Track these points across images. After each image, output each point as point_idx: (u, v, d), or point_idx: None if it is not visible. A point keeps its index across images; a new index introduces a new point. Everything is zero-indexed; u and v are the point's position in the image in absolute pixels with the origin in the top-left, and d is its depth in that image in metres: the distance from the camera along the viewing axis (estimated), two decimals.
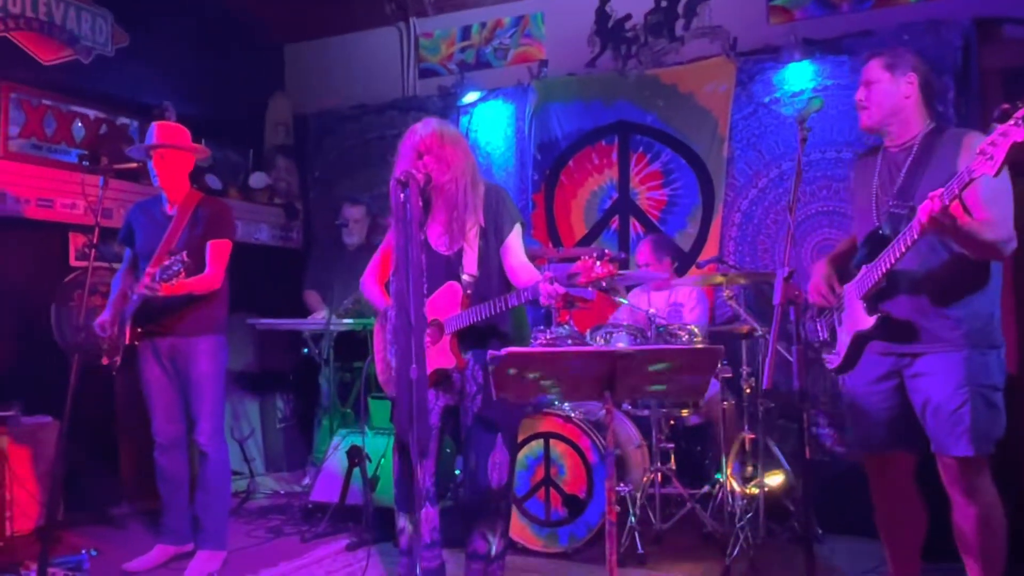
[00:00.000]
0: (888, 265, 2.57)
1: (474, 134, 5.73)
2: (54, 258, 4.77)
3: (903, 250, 2.51)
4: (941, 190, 2.33)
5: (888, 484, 2.85)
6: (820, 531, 4.01)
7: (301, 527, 4.32)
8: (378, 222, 5.42)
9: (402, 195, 2.54)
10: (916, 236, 2.46)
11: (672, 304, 4.66)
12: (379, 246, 3.19)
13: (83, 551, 3.73)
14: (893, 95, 2.71)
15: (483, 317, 2.82)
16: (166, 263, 3.34)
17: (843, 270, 2.91)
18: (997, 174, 2.17)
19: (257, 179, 6.10)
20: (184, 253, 3.35)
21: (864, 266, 2.70)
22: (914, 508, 2.85)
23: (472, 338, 2.92)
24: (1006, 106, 2.16)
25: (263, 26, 6.28)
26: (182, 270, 3.33)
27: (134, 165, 3.65)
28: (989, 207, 2.50)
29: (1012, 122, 2.13)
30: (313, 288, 5.47)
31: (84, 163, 4.88)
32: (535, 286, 2.68)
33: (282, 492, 5.23)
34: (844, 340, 2.84)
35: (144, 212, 3.83)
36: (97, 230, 3.31)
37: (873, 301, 2.69)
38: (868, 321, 2.70)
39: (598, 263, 2.51)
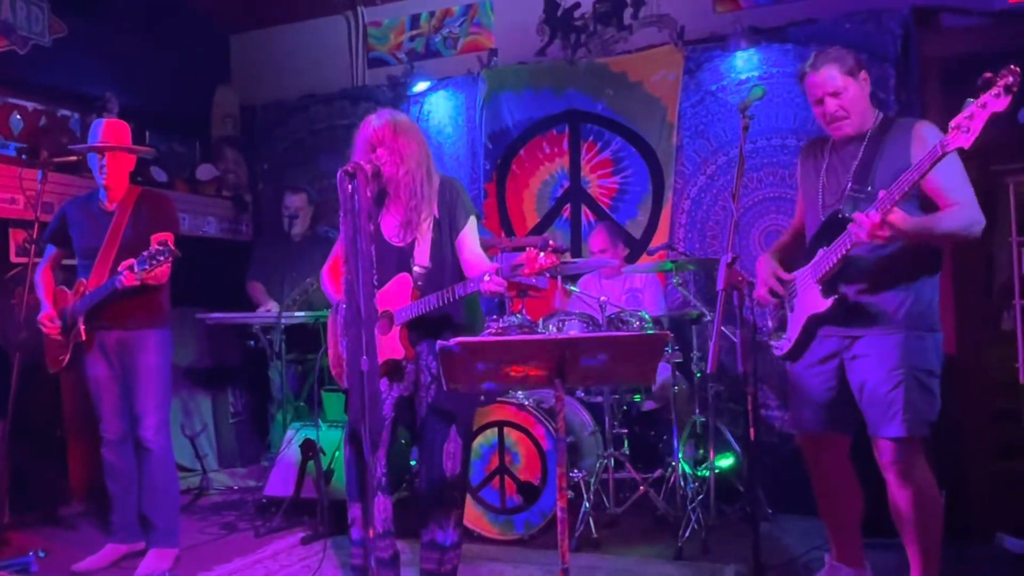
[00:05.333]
0: (844, 249, 2.59)
1: (425, 123, 5.69)
2: None
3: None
4: (871, 210, 2.38)
5: (824, 465, 2.90)
6: (770, 511, 4.10)
7: (255, 522, 4.28)
8: (321, 211, 5.36)
9: (349, 187, 2.52)
10: (848, 248, 2.53)
11: (629, 290, 4.70)
12: (324, 236, 3.17)
13: (31, 552, 3.68)
14: (862, 97, 2.72)
15: (432, 308, 2.82)
16: (152, 250, 3.30)
17: (788, 260, 2.92)
18: (971, 146, 2.16)
19: (204, 171, 6.00)
20: (172, 240, 3.32)
21: (821, 249, 2.71)
22: (850, 487, 2.90)
23: (424, 329, 2.92)
24: (988, 75, 2.13)
25: (208, 15, 6.16)
26: (170, 257, 3.30)
27: (74, 158, 3.57)
28: (953, 193, 2.51)
29: (993, 92, 2.10)
30: (257, 280, 5.38)
31: (23, 156, 4.76)
32: (479, 277, 2.69)
33: (235, 488, 5.18)
34: (796, 325, 2.84)
35: (80, 208, 3.73)
36: (37, 225, 3.24)
37: (830, 284, 2.70)
38: (824, 303, 2.71)
39: (542, 254, 2.52)
